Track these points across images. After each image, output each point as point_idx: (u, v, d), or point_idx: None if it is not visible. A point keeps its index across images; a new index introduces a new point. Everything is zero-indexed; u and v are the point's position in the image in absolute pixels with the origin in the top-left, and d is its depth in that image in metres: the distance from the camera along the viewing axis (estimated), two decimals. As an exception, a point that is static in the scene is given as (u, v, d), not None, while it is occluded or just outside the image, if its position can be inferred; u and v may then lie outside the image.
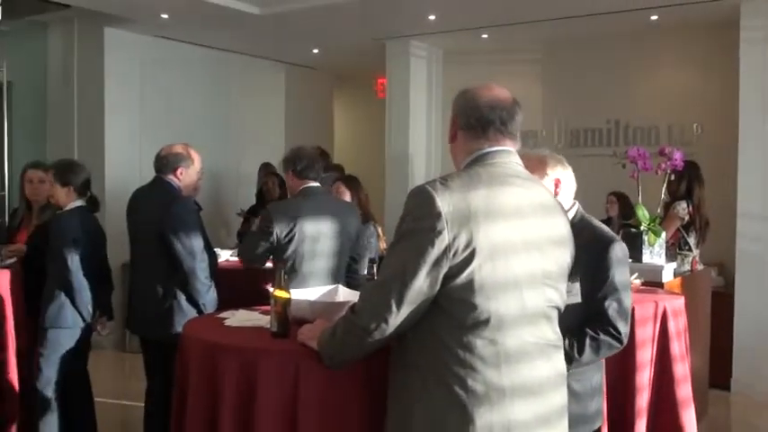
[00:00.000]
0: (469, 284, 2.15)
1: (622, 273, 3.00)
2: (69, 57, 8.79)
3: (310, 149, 4.77)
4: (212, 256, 4.81)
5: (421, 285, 2.15)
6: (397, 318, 2.19)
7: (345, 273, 4.78)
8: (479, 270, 2.15)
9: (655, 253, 5.05)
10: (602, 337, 2.84)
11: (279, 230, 4.35)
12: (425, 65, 9.16)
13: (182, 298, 4.61)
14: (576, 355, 2.80)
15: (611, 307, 2.88)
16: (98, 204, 4.93)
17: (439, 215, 2.14)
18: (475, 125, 2.36)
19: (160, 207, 4.61)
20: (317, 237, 4.43)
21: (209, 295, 4.65)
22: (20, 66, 8.81)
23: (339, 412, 2.55)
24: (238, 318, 3.19)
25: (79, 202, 4.74)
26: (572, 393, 2.70)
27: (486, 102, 2.36)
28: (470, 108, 2.38)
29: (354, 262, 4.83)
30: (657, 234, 5.04)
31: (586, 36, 8.18)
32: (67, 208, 4.70)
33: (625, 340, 2.90)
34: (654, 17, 7.39)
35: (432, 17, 7.67)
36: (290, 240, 4.35)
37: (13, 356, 4.71)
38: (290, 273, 4.32)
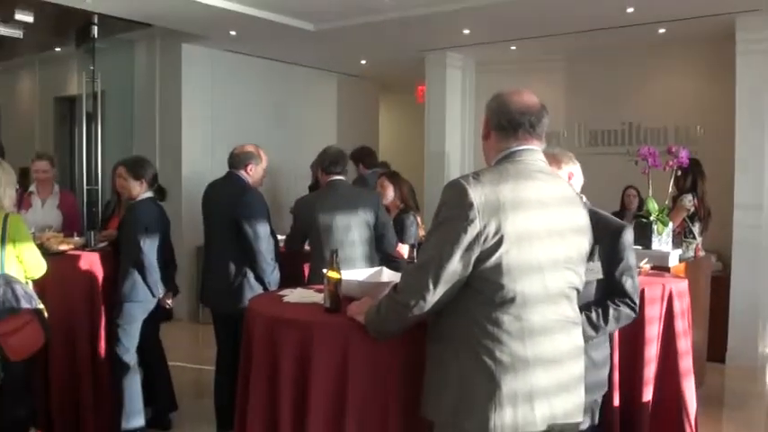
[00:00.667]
0: (498, 267, 2.15)
1: (632, 255, 3.04)
2: (152, 69, 8.88)
3: (335, 149, 4.85)
4: (276, 241, 4.85)
5: (455, 268, 2.15)
6: (433, 296, 2.19)
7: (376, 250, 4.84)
8: (507, 254, 2.14)
9: (662, 241, 4.99)
10: (622, 308, 2.90)
11: (302, 216, 4.54)
12: (460, 74, 9.11)
13: (250, 276, 4.67)
14: (603, 323, 2.85)
15: (627, 283, 2.93)
16: (165, 194, 4.95)
17: (471, 205, 2.13)
18: (506, 126, 2.34)
19: (233, 197, 4.69)
20: (335, 223, 4.53)
21: (273, 275, 4.71)
22: (111, 77, 8.91)
23: (383, 378, 2.55)
24: (296, 295, 3.19)
25: (149, 194, 4.78)
26: (592, 362, 2.75)
27: (518, 107, 2.34)
28: (503, 111, 2.36)
29: (381, 241, 4.83)
30: (665, 224, 4.99)
31: (603, 47, 8.09)
32: (139, 198, 4.74)
33: (638, 311, 2.96)
34: (661, 30, 7.30)
35: (466, 31, 7.63)
36: (313, 225, 4.46)
37: (103, 327, 4.77)
38: (317, 255, 4.46)
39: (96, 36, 8.32)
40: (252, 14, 7.01)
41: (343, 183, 4.75)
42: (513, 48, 8.31)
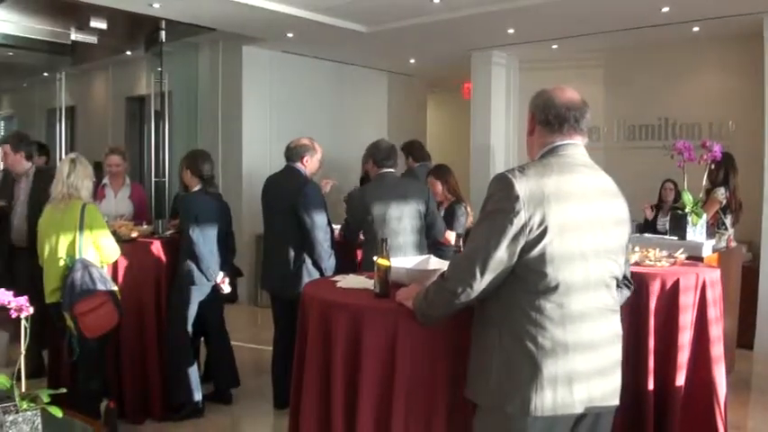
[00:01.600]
0: (542, 257, 2.13)
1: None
2: (215, 70, 8.98)
3: (387, 143, 4.85)
4: (331, 230, 4.89)
5: (501, 257, 2.15)
6: (480, 284, 2.19)
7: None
8: (551, 245, 2.13)
9: (697, 232, 4.90)
10: (623, 290, 2.81)
11: (356, 208, 4.54)
12: (504, 71, 9.01)
13: (308, 263, 4.73)
14: None
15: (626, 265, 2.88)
16: (211, 185, 4.93)
17: (517, 198, 2.13)
18: (552, 121, 2.31)
19: (292, 189, 4.74)
20: (389, 213, 4.53)
21: (329, 261, 4.75)
22: (177, 78, 9.03)
23: (429, 360, 2.55)
24: (348, 281, 3.20)
25: (200, 186, 4.83)
26: None
27: (563, 102, 2.32)
28: (549, 107, 2.33)
29: (431, 229, 4.83)
30: (699, 215, 4.90)
31: (640, 45, 7.94)
32: (194, 189, 4.81)
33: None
34: (695, 29, 7.14)
35: (511, 31, 7.55)
36: (368, 215, 4.46)
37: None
38: (371, 243, 4.46)
39: (164, 40, 8.44)
40: (308, 18, 7.03)
41: (393, 175, 4.76)
42: (555, 46, 8.21)
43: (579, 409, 2.20)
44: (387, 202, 4.59)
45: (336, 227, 5.08)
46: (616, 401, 2.32)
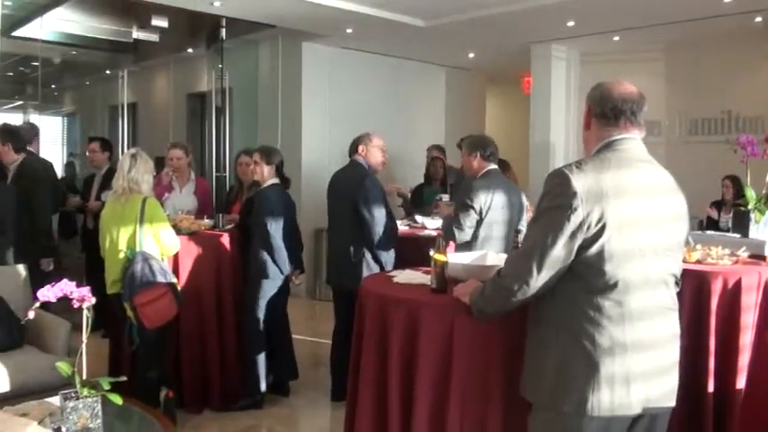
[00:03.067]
0: (600, 254, 2.12)
1: None
2: (275, 66, 9.08)
3: (489, 137, 4.71)
4: (393, 224, 4.93)
5: (558, 254, 2.13)
6: (537, 281, 2.18)
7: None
8: (609, 242, 2.11)
9: (760, 229, 4.78)
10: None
11: (482, 202, 4.31)
12: (564, 65, 8.91)
13: (368, 256, 4.78)
14: None
15: None
16: (289, 182, 5.06)
17: (575, 194, 2.11)
18: (608, 115, 2.29)
19: (353, 183, 4.81)
20: (502, 209, 4.40)
21: (389, 255, 4.79)
22: (238, 74, 9.19)
23: (486, 356, 2.56)
24: (405, 276, 3.22)
25: (276, 180, 4.90)
26: None
27: (619, 95, 2.29)
28: (604, 100, 2.31)
29: (518, 234, 4.76)
30: (763, 212, 4.77)
31: (702, 36, 7.77)
32: (268, 184, 4.88)
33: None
34: (758, 19, 6.95)
35: (571, 23, 7.47)
36: (487, 211, 4.32)
37: (227, 299, 4.96)
38: (480, 238, 4.34)
39: (224, 37, 8.63)
40: (367, 13, 7.08)
41: (500, 172, 4.60)
42: (616, 38, 8.08)
43: (636, 410, 2.18)
44: (504, 200, 4.44)
45: (399, 222, 5.10)
46: (673, 402, 2.29)
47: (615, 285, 2.14)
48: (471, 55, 9.63)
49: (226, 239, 5.00)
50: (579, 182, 2.13)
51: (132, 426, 3.20)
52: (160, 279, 4.18)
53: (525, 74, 9.33)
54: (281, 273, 4.81)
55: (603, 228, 2.11)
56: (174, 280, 4.37)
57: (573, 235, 2.12)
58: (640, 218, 2.17)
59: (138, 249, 4.20)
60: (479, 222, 4.37)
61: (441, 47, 8.96)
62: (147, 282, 4.13)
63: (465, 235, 4.38)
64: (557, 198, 2.16)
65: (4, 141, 5.74)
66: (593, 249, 2.12)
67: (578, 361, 2.17)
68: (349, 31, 7.92)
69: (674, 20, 7.11)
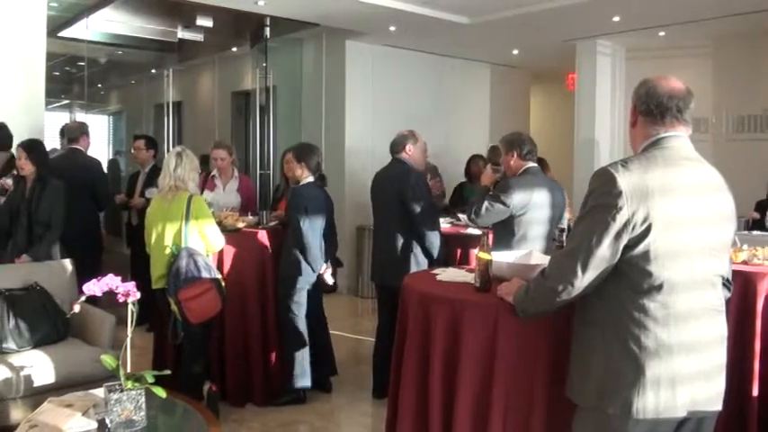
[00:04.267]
0: (646, 254, 2.09)
1: None
2: (318, 65, 9.12)
3: (527, 135, 4.64)
4: (437, 219, 4.97)
5: (603, 254, 2.11)
6: (581, 282, 2.16)
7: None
8: (655, 242, 2.08)
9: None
10: (724, 290, 2.69)
11: (516, 201, 4.23)
12: (609, 61, 8.78)
13: (416, 251, 4.81)
14: None
15: None
16: (326, 180, 5.06)
17: (620, 193, 2.09)
18: (654, 112, 2.25)
19: (398, 180, 4.82)
20: (541, 208, 4.31)
21: (441, 249, 4.80)
22: (282, 73, 9.26)
23: (530, 356, 2.55)
24: (449, 274, 3.21)
25: (311, 178, 4.91)
26: None
27: (665, 91, 2.25)
28: (650, 96, 2.27)
29: (562, 232, 4.68)
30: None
31: (749, 31, 7.58)
32: (303, 182, 4.89)
33: None
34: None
35: (616, 18, 7.36)
36: (525, 209, 4.25)
37: (271, 295, 4.96)
38: (518, 236, 4.27)
39: (268, 36, 8.68)
40: (411, 11, 7.07)
41: (539, 170, 4.51)
42: (662, 34, 7.93)
43: (681, 413, 2.15)
44: (546, 199, 4.35)
45: (443, 219, 5.08)
46: (719, 406, 2.25)
47: (660, 286, 2.11)
48: (515, 52, 9.56)
49: (270, 236, 5.04)
50: (625, 181, 2.11)
51: (175, 418, 3.25)
52: (205, 274, 4.23)
53: (570, 71, 9.23)
54: (313, 271, 4.83)
55: (649, 227, 2.08)
56: (219, 276, 4.41)
57: (618, 235, 2.10)
58: (687, 217, 2.14)
59: (183, 245, 4.26)
60: (513, 220, 4.31)
61: (485, 44, 8.91)
62: (192, 277, 4.18)
63: (478, 221, 4.34)
64: (602, 197, 2.13)
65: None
66: (639, 249, 2.10)
67: (624, 363, 2.14)
68: (392, 28, 7.91)
69: (721, 14, 6.95)
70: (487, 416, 2.55)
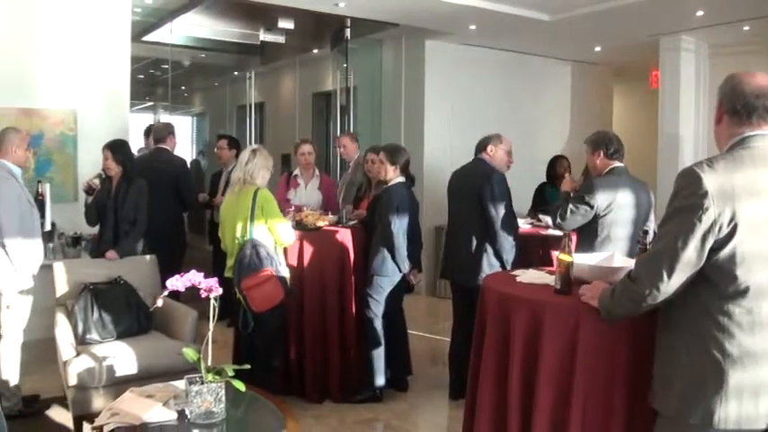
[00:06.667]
0: (732, 257, 2.02)
1: None
2: (398, 65, 9.14)
3: (614, 133, 4.50)
4: (514, 222, 4.88)
5: (689, 257, 2.05)
6: (667, 286, 2.10)
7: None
8: (741, 244, 2.01)
9: None
10: None
11: (600, 201, 4.13)
12: (693, 57, 8.48)
13: (489, 252, 4.76)
14: None
15: None
16: (414, 181, 5.11)
17: (706, 194, 2.01)
18: (740, 111, 2.16)
19: (478, 179, 4.78)
20: (625, 209, 4.19)
21: (512, 253, 4.73)
22: (362, 73, 9.32)
23: (611, 361, 2.48)
24: (528, 275, 3.16)
25: (401, 178, 4.93)
26: None
27: (752, 89, 2.15)
28: (736, 94, 2.17)
29: (645, 234, 4.52)
30: None
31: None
32: (393, 182, 4.91)
33: None
34: None
35: (700, 13, 7.12)
36: (609, 210, 4.15)
37: (350, 293, 5.03)
38: (601, 237, 4.17)
39: (349, 37, 8.73)
40: (491, 8, 7.00)
41: (625, 170, 4.36)
42: (747, 28, 7.60)
43: (763, 425, 2.07)
44: (631, 200, 4.23)
45: (521, 221, 5.00)
46: None
47: (746, 291, 2.03)
48: (598, 49, 9.36)
49: (349, 235, 5.07)
50: (711, 180, 2.04)
51: (254, 412, 3.29)
52: (266, 265, 4.31)
53: (653, 67, 8.97)
54: (400, 270, 4.84)
55: (735, 229, 2.01)
56: (283, 268, 4.49)
57: (704, 237, 2.03)
58: None
59: (248, 237, 4.37)
60: (596, 221, 4.18)
61: (566, 41, 8.75)
62: (254, 267, 4.28)
63: (564, 225, 4.22)
64: (687, 198, 2.07)
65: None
66: (725, 252, 2.03)
67: (707, 371, 2.07)
68: (472, 27, 7.85)
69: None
70: (566, 421, 2.49)
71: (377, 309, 4.86)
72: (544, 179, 7.76)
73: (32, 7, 6.20)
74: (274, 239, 4.46)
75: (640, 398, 2.33)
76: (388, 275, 4.82)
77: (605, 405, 2.48)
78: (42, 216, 4.61)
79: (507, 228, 4.73)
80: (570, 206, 4.19)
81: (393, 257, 4.77)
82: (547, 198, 7.30)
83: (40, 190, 4.78)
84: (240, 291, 4.30)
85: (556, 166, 7.64)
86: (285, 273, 4.47)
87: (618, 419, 2.47)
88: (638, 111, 11.33)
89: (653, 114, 8.85)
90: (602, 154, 4.32)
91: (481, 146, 4.95)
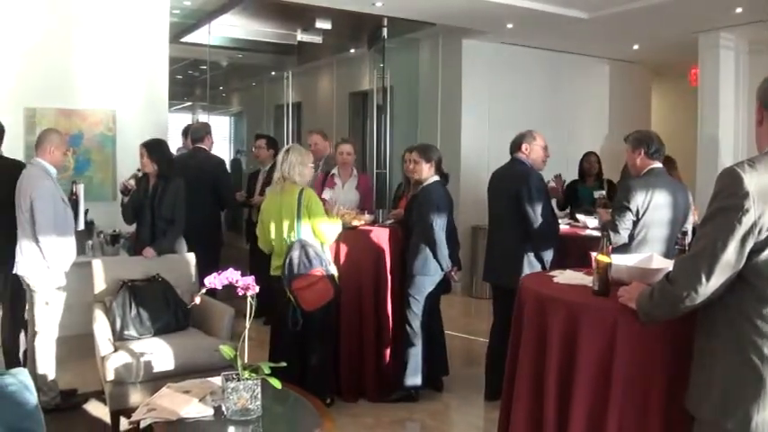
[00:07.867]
0: None
1: None
2: (435, 64, 9.12)
3: (657, 134, 4.44)
4: (555, 222, 4.87)
5: (729, 260, 2.01)
6: (706, 288, 2.06)
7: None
8: None
9: None
10: None
11: (638, 202, 4.11)
12: (733, 55, 8.29)
13: (530, 253, 4.72)
14: None
15: None
16: (448, 179, 5.09)
17: (746, 195, 1.97)
18: None
19: (517, 179, 4.75)
20: (662, 209, 4.15)
21: (551, 253, 4.72)
22: (398, 73, 9.31)
23: (648, 364, 2.44)
24: (566, 276, 3.13)
25: (437, 177, 4.93)
26: None
27: None
28: None
29: (684, 235, 4.44)
30: None
31: None
32: (430, 181, 4.90)
33: None
34: None
35: (738, 10, 6.98)
36: (646, 210, 4.11)
37: (386, 291, 5.02)
38: (638, 238, 4.13)
39: (386, 37, 8.72)
40: (529, 7, 6.96)
41: (664, 171, 4.32)
42: (785, 25, 7.46)
43: None
44: (664, 197, 4.19)
45: (562, 220, 4.95)
46: None
47: None
48: (636, 47, 9.24)
49: (386, 235, 5.07)
50: (752, 181, 1.99)
51: (290, 410, 3.31)
52: (316, 265, 4.37)
53: (692, 65, 8.82)
54: (441, 269, 4.82)
55: None
56: (331, 266, 4.54)
57: (744, 239, 1.99)
58: None
59: (296, 237, 4.41)
60: (635, 223, 4.16)
61: (604, 39, 8.65)
62: (304, 268, 4.34)
63: (621, 238, 4.17)
64: (728, 199, 2.03)
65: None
66: (765, 254, 1.99)
67: (745, 375, 2.03)
68: (510, 26, 7.81)
69: None
70: (603, 423, 2.46)
71: (417, 309, 4.85)
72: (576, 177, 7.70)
73: (72, 10, 6.32)
74: (318, 237, 4.50)
75: (678, 400, 2.30)
76: (430, 275, 4.80)
77: (643, 407, 2.45)
78: (75, 216, 4.68)
79: (547, 228, 4.70)
80: (616, 217, 4.19)
81: (435, 256, 4.76)
82: (579, 196, 7.24)
83: (74, 190, 4.85)
84: (291, 291, 4.34)
85: (584, 162, 7.59)
86: (334, 271, 4.54)
87: (655, 422, 2.43)
88: (676, 110, 11.15)
89: (692, 113, 8.70)
90: (642, 153, 4.27)
91: (515, 145, 4.91)
